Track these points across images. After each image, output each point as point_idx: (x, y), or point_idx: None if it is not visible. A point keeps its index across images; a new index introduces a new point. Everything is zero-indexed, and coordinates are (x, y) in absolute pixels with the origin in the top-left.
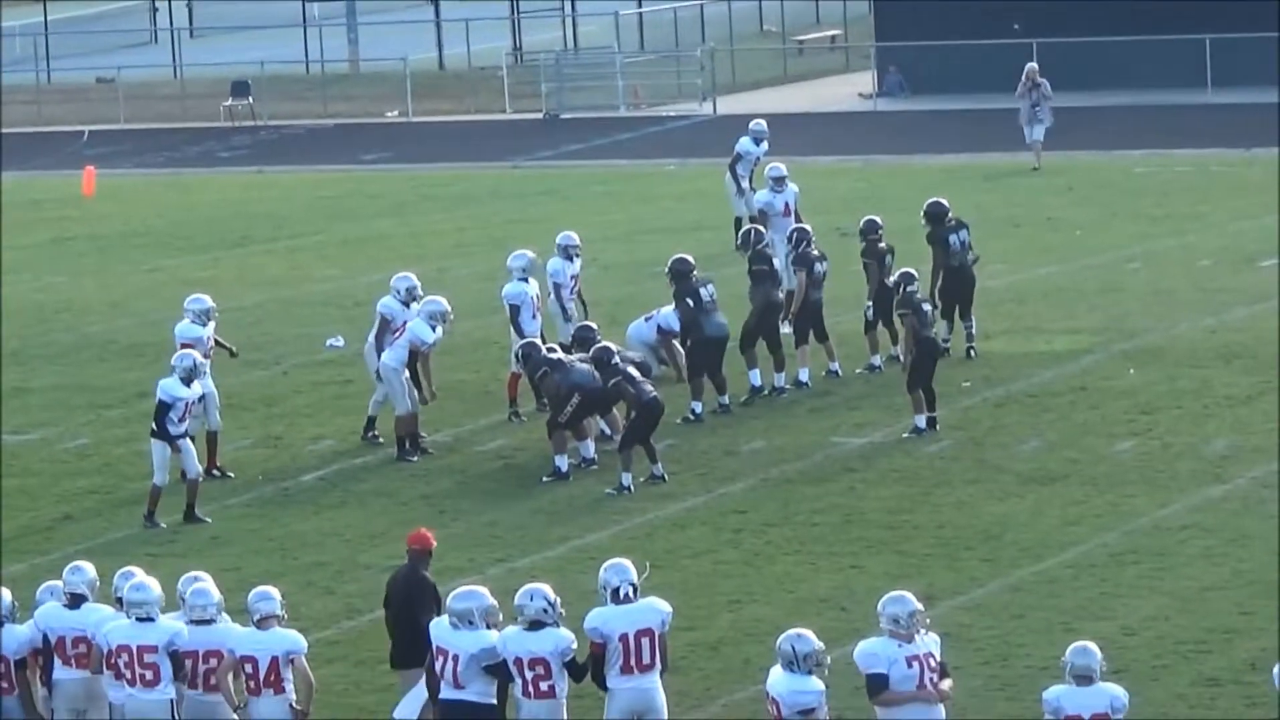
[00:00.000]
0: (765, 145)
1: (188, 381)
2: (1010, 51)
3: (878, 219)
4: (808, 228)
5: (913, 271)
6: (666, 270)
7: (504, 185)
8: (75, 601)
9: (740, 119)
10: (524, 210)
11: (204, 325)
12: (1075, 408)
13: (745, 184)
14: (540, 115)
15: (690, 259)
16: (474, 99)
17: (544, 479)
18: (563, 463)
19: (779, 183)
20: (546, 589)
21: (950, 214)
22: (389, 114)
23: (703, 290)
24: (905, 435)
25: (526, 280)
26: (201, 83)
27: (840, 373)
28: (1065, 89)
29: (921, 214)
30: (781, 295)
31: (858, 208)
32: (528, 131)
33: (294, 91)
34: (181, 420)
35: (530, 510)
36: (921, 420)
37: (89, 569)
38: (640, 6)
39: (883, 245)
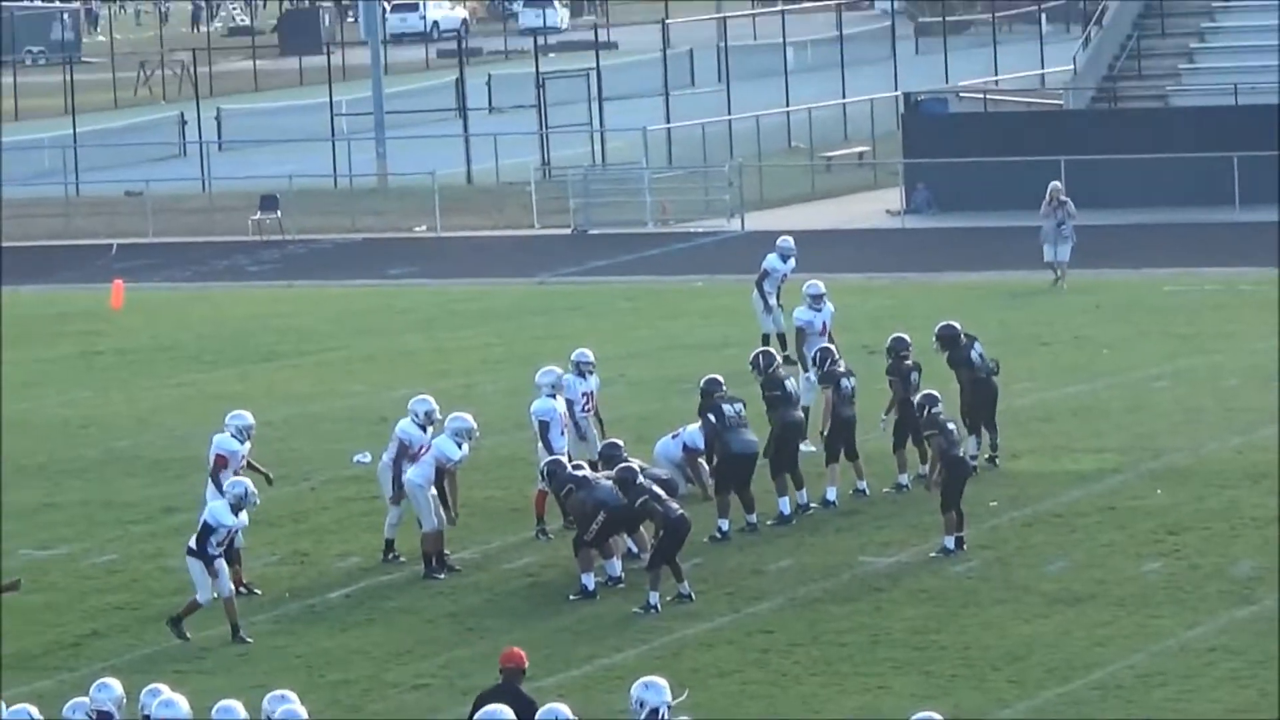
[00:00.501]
0: (793, 262)
1: (237, 510)
2: (1038, 169)
3: (905, 337)
4: (831, 346)
5: (935, 394)
6: (700, 388)
7: (531, 301)
8: (102, 719)
9: (768, 235)
10: (551, 326)
11: (243, 442)
12: (1102, 528)
13: (773, 300)
14: (568, 231)
15: (720, 379)
16: (502, 214)
17: (571, 597)
18: (589, 581)
19: (817, 300)
20: (564, 709)
21: (961, 332)
22: (417, 229)
23: (728, 407)
24: (933, 554)
25: (554, 396)
26: (230, 196)
27: (868, 491)
28: (1093, 207)
29: (934, 339)
30: (800, 413)
31: (886, 325)
32: (555, 247)
33: (322, 206)
34: (221, 544)
35: (556, 628)
36: (951, 541)
37: (116, 686)
38: (668, 122)
39: (909, 363)
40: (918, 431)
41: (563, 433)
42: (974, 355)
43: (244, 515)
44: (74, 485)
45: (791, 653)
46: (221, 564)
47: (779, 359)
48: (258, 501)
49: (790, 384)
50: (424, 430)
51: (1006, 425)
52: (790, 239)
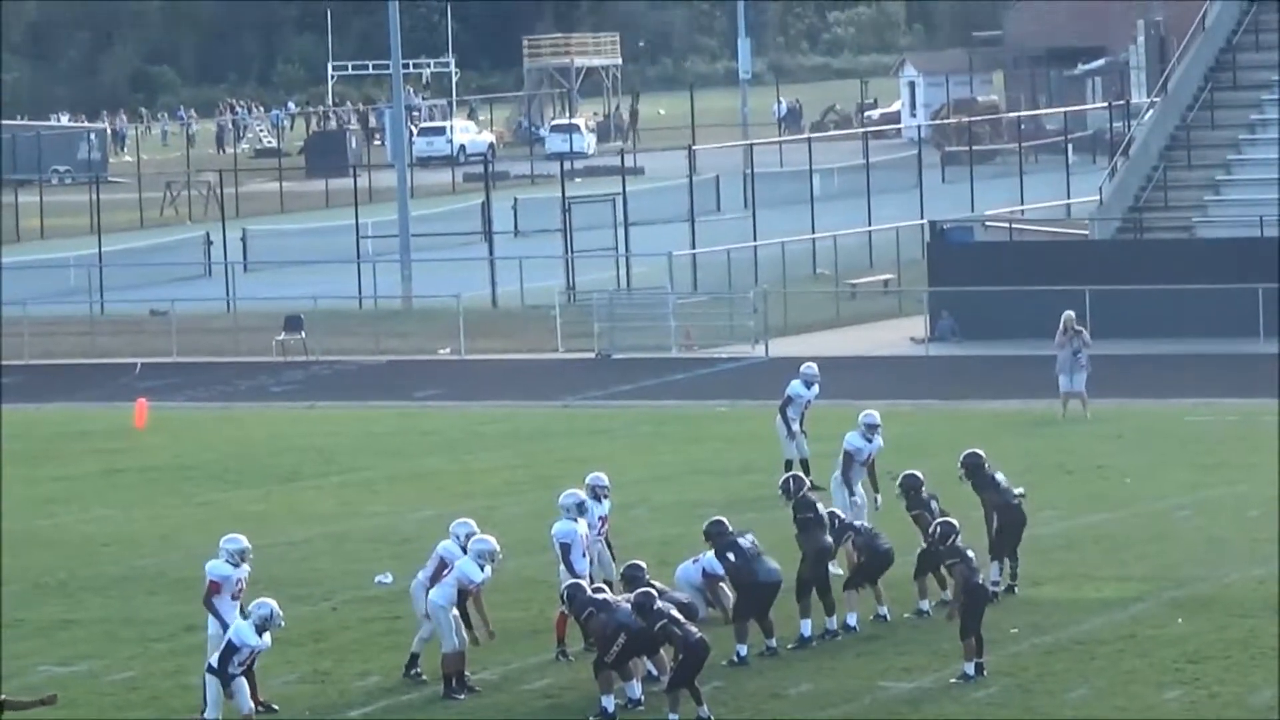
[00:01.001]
0: (816, 388)
1: (261, 631)
2: (1063, 298)
3: (917, 474)
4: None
5: (953, 521)
6: (704, 532)
7: (555, 424)
8: None
9: (792, 361)
10: (574, 449)
11: (237, 566)
12: (1123, 656)
13: (796, 427)
14: (593, 355)
15: (723, 520)
16: (526, 337)
17: (590, 719)
18: (609, 703)
19: (871, 430)
20: None
21: (985, 460)
22: (441, 351)
23: (742, 540)
24: (953, 680)
25: (575, 520)
26: (254, 316)
27: (888, 617)
28: (1117, 336)
29: (960, 467)
30: (830, 538)
31: (910, 453)
32: (580, 371)
33: (347, 327)
34: (242, 665)
35: None
36: (971, 667)
37: None
38: (694, 248)
39: (925, 494)
40: (936, 561)
41: (584, 555)
42: (1000, 478)
43: (268, 636)
44: (95, 602)
45: None
46: (241, 683)
47: (808, 483)
48: (283, 624)
49: (820, 508)
50: (464, 552)
51: (1029, 553)
52: (814, 366)
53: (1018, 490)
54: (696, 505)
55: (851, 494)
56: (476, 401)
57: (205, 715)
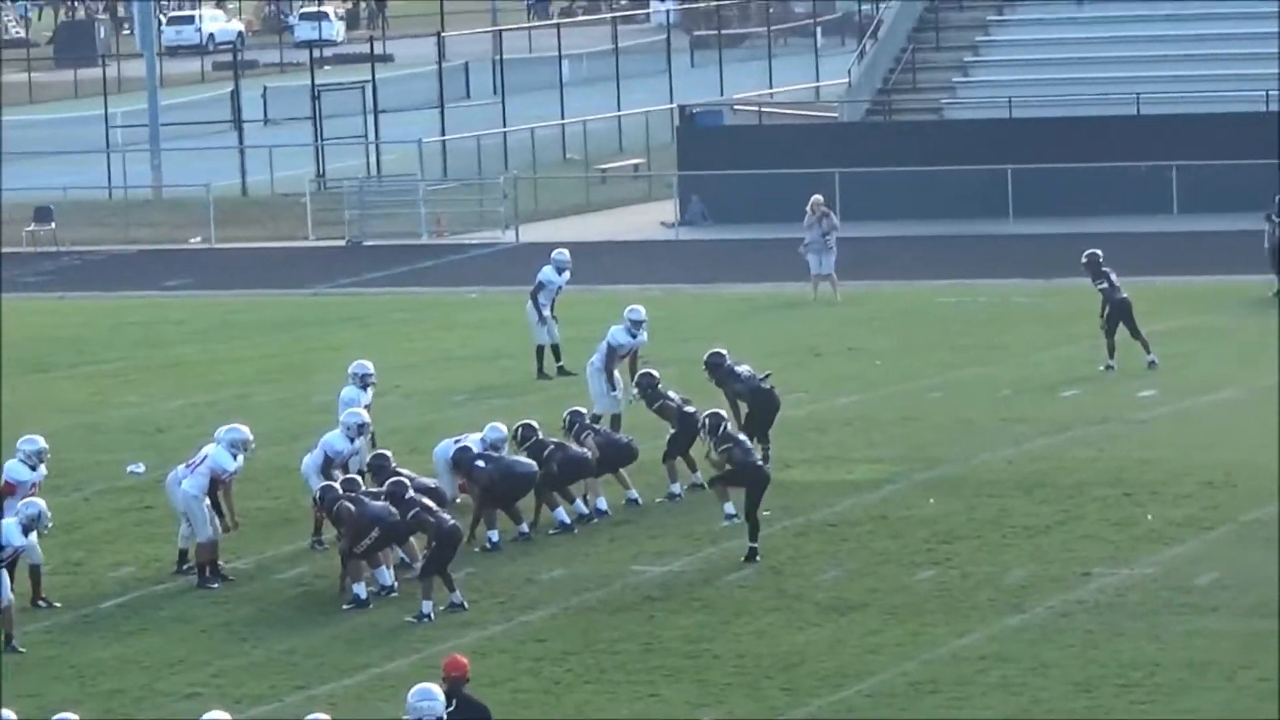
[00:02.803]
0: (568, 274)
1: (27, 531)
2: (812, 181)
3: (652, 372)
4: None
5: (720, 411)
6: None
7: (306, 312)
8: None
9: (543, 247)
10: (326, 337)
11: (34, 468)
12: (875, 537)
13: (547, 313)
14: (343, 242)
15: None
16: (277, 226)
17: (345, 607)
18: (361, 590)
19: (636, 326)
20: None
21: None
22: (192, 240)
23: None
24: (724, 523)
25: (354, 438)
26: (4, 208)
27: (640, 501)
28: (867, 219)
29: (703, 366)
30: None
31: (663, 337)
32: (331, 258)
33: (97, 217)
34: (3, 562)
35: (330, 638)
36: (730, 508)
37: None
38: (443, 135)
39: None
40: (687, 446)
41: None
42: (742, 370)
43: (33, 536)
44: None
45: (564, 661)
46: (2, 574)
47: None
48: (50, 526)
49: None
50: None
51: (780, 435)
52: (565, 251)
53: (763, 375)
54: (448, 392)
55: (612, 388)
56: (227, 290)
57: None
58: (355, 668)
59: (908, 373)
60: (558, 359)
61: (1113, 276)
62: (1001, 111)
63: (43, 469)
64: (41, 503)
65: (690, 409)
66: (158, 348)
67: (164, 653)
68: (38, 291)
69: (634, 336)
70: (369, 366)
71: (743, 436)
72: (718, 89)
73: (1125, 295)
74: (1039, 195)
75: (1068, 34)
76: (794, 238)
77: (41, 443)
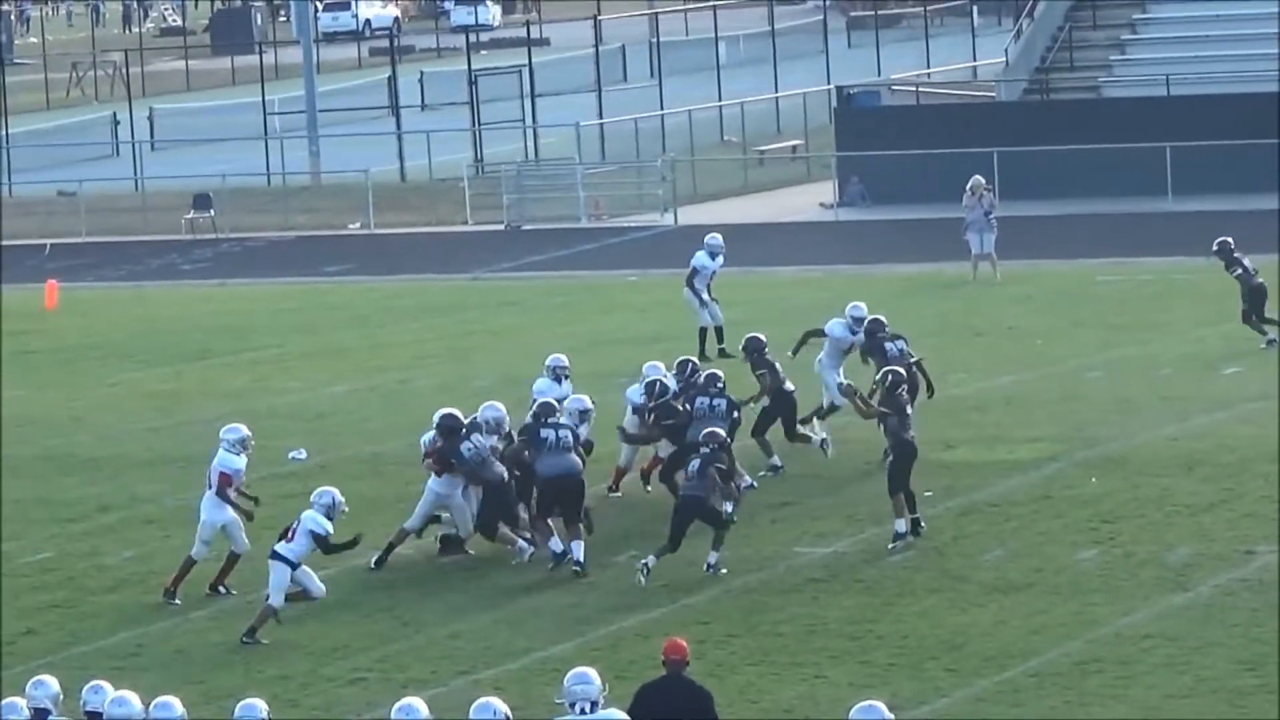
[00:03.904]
0: (721, 259)
1: (330, 517)
2: (971, 161)
3: (760, 336)
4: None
5: (900, 370)
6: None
7: (465, 297)
8: (39, 716)
9: (701, 229)
10: (485, 321)
11: (238, 455)
12: (1038, 517)
13: (706, 296)
14: (502, 227)
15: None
16: (435, 211)
17: (550, 568)
18: (556, 544)
19: (858, 323)
20: (499, 703)
21: (886, 328)
22: (350, 226)
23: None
24: (890, 546)
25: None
26: (163, 195)
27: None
28: (1025, 198)
29: (862, 331)
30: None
31: (821, 317)
32: (489, 243)
33: (255, 204)
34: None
35: (493, 621)
36: (903, 524)
37: (52, 683)
38: (601, 118)
39: (769, 356)
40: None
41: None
42: (890, 346)
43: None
44: (9, 484)
45: (728, 643)
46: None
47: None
48: (347, 510)
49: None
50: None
51: (941, 415)
52: (719, 236)
53: (914, 357)
54: (608, 375)
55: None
56: (386, 276)
57: (271, 602)
58: (519, 651)
59: (1068, 351)
60: (720, 341)
61: (1246, 262)
62: (1160, 89)
63: (245, 456)
64: (335, 490)
65: (790, 387)
66: (317, 334)
67: (328, 638)
68: (197, 279)
69: (853, 333)
70: (564, 360)
71: (910, 410)
72: (875, 69)
73: (1260, 280)
74: (1198, 172)
75: (1225, 10)
76: (953, 218)
77: (245, 430)
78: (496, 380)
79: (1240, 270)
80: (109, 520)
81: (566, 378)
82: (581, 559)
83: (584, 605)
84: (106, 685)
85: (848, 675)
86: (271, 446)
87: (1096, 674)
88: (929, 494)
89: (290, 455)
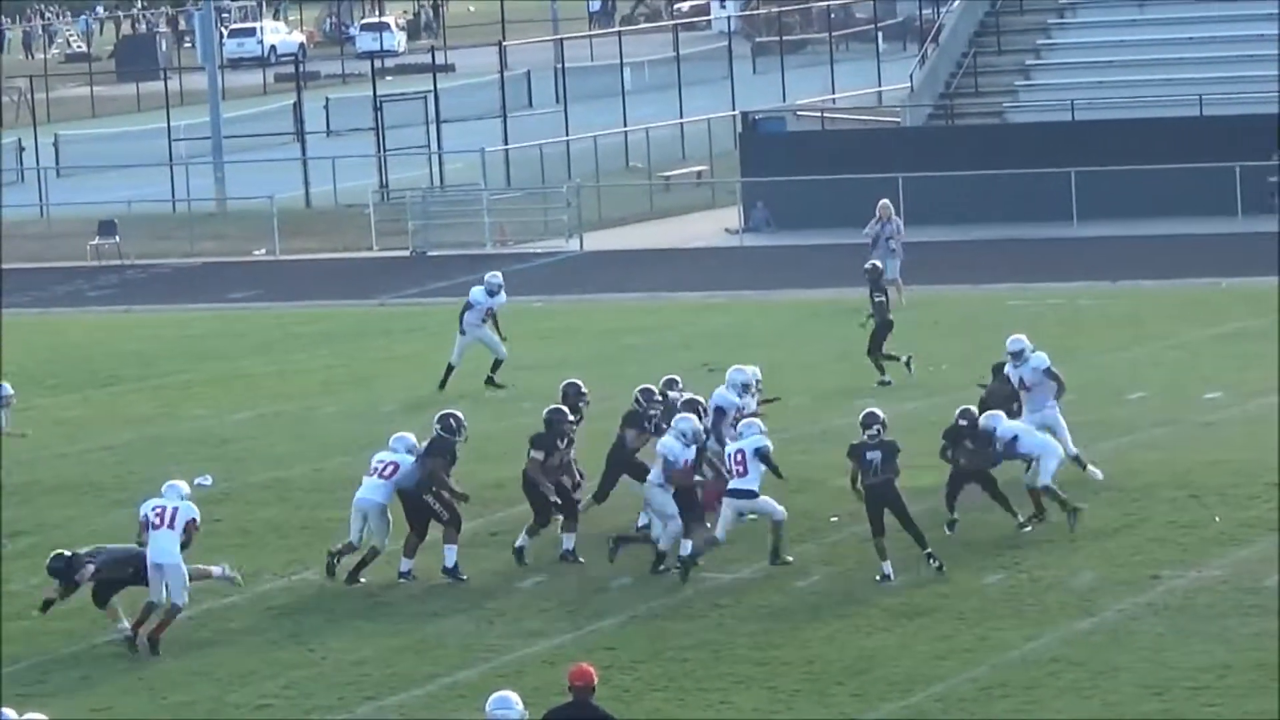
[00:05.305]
0: (502, 297)
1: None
2: (876, 186)
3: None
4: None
5: (876, 410)
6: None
7: (371, 323)
8: None
9: (607, 255)
10: (391, 348)
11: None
12: (944, 542)
13: (479, 331)
14: (407, 253)
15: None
16: (341, 237)
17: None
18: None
19: (1017, 356)
20: (514, 697)
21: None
22: (256, 252)
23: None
24: (877, 578)
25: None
26: (68, 222)
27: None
28: (931, 223)
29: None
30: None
31: (726, 343)
32: (395, 269)
33: (161, 230)
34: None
35: (399, 647)
36: (888, 567)
37: None
38: (506, 144)
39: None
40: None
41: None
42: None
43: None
44: None
45: (634, 669)
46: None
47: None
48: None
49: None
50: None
51: (846, 441)
52: (499, 275)
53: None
54: (514, 401)
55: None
56: (292, 302)
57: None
58: (424, 678)
59: (973, 377)
60: (493, 370)
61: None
62: (1064, 114)
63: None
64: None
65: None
66: (223, 360)
67: (234, 665)
68: (103, 305)
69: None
70: (748, 373)
71: (870, 456)
72: (780, 95)
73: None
74: (1103, 197)
75: (1129, 36)
76: (856, 243)
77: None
78: (402, 406)
79: (883, 298)
80: (19, 546)
81: (758, 391)
82: (571, 547)
83: (490, 631)
84: (11, 712)
85: (753, 701)
86: (177, 473)
87: (1003, 699)
88: (834, 519)
89: (195, 482)
